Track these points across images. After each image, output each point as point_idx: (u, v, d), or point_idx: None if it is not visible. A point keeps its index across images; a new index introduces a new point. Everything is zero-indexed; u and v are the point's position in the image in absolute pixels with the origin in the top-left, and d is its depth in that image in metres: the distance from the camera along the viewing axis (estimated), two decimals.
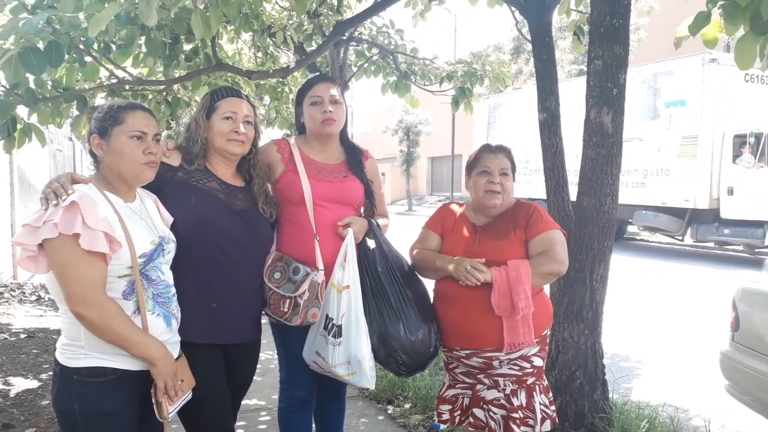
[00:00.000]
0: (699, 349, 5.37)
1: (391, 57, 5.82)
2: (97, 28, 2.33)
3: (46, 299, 7.10)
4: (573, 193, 3.26)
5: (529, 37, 3.63)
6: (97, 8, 3.00)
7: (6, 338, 5.25)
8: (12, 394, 3.93)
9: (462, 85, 5.93)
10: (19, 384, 4.11)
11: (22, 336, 5.37)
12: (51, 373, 4.23)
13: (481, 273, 2.20)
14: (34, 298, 7.08)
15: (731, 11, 2.52)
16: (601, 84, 3.02)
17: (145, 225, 1.85)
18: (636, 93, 11.77)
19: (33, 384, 4.13)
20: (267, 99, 7.75)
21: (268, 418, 3.57)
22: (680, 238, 12.94)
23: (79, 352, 1.72)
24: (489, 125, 17.44)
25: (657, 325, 6.44)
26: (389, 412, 3.69)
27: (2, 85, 3.22)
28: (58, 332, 5.47)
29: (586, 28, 4.36)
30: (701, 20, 2.58)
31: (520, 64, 23.96)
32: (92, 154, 1.88)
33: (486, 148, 2.46)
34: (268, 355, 4.38)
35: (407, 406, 3.72)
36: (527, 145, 13.70)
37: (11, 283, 7.53)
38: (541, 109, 3.30)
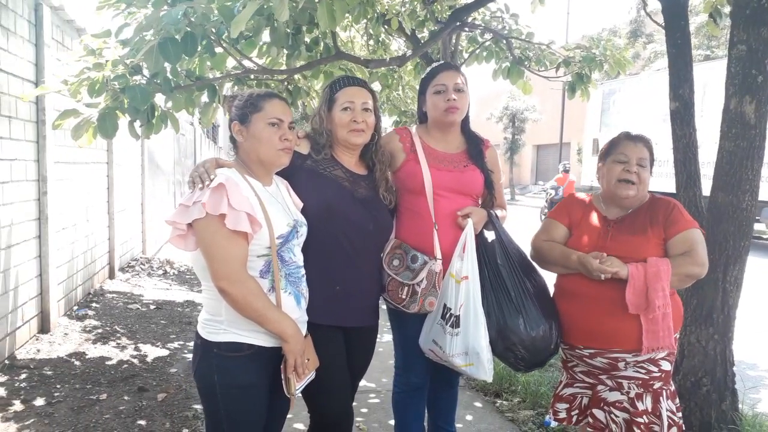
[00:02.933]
0: None
1: (505, 42, 5.69)
2: (238, 29, 2.46)
3: (171, 274, 7.65)
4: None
5: (657, 21, 3.42)
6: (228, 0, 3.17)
7: (138, 308, 5.72)
8: (146, 360, 4.28)
9: (580, 70, 5.68)
10: (151, 352, 4.47)
11: (152, 307, 5.82)
12: (178, 343, 4.59)
13: (613, 267, 2.11)
14: (161, 272, 7.66)
15: None
16: (744, 71, 2.78)
17: (282, 208, 1.94)
18: None
19: (163, 352, 4.47)
20: (377, 86, 7.85)
21: (377, 400, 3.66)
22: None
23: (219, 327, 1.84)
24: (603, 112, 16.64)
25: None
26: (497, 405, 3.65)
27: (144, 75, 3.48)
28: (182, 305, 5.93)
29: (724, 9, 4.05)
30: None
31: (637, 48, 22.67)
32: (232, 139, 1.99)
33: (625, 136, 2.34)
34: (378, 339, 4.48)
35: (516, 400, 3.66)
36: (644, 134, 12.95)
37: (141, 257, 8.18)
38: (674, 97, 3.10)
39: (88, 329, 4.90)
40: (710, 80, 10.43)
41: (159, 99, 3.84)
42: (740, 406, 3.08)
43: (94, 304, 5.66)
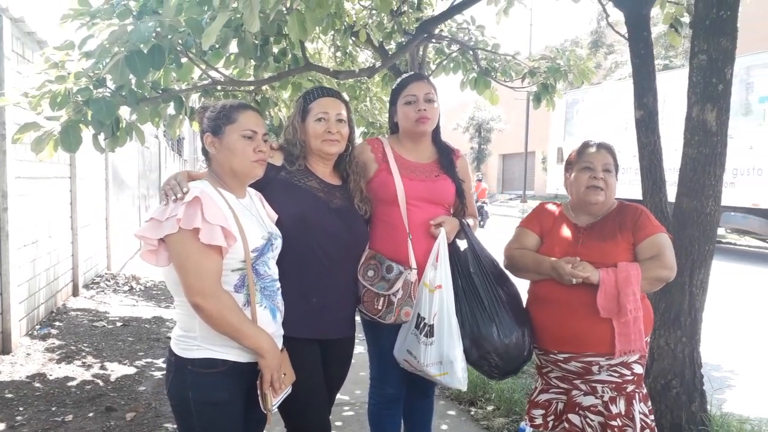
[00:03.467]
0: None
1: (471, 53, 5.76)
2: (209, 41, 2.43)
3: (138, 290, 7.49)
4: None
5: (620, 31, 3.50)
6: (195, 11, 3.14)
7: (104, 325, 5.57)
8: (112, 379, 4.16)
9: (545, 81, 5.79)
10: (118, 370, 4.36)
11: (119, 324, 5.68)
12: (146, 360, 4.48)
13: (585, 272, 2.14)
14: (126, 288, 7.48)
15: None
16: (705, 80, 2.87)
17: (256, 221, 1.91)
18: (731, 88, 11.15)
19: (130, 370, 4.36)
20: (345, 97, 7.86)
21: (351, 413, 3.63)
22: None
23: (193, 343, 1.80)
24: (567, 122, 16.96)
25: (749, 333, 6.08)
26: (472, 413, 3.66)
27: (108, 88, 3.41)
28: (150, 321, 5.80)
29: (684, 20, 4.18)
30: None
31: (598, 58, 23.23)
32: (204, 151, 1.96)
33: (588, 144, 2.40)
34: None
35: (490, 408, 3.68)
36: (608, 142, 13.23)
37: (106, 274, 7.98)
38: (638, 106, 3.18)
39: (51, 349, 4.75)
40: (670, 89, 10.72)
41: (123, 111, 3.77)
42: (708, 407, 3.14)
43: (57, 323, 5.49)
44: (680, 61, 20.46)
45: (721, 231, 14.37)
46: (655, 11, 4.26)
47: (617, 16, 3.52)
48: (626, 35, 3.32)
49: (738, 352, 5.39)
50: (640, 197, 3.22)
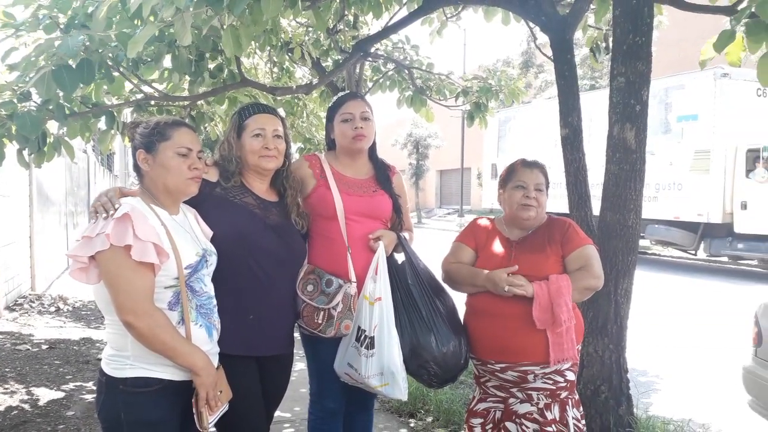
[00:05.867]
0: (716, 364, 5.35)
1: (407, 72, 5.88)
2: (135, 49, 2.39)
3: (65, 311, 7.16)
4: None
5: (547, 53, 3.68)
6: (126, 25, 3.07)
7: (28, 349, 5.30)
8: (38, 404, 3.97)
9: (477, 100, 5.98)
10: (44, 395, 4.15)
11: (44, 347, 5.42)
12: (74, 384, 4.29)
13: (520, 287, 2.23)
14: (53, 309, 7.14)
15: (755, 29, 2.56)
16: (624, 101, 3.05)
17: (190, 237, 1.90)
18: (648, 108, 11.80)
19: (58, 395, 4.16)
20: (282, 113, 7.84)
21: (291, 430, 3.60)
22: (693, 252, 12.89)
23: (125, 362, 1.76)
24: (499, 138, 17.50)
25: (672, 339, 6.42)
26: (411, 425, 3.70)
27: (34, 101, 3.29)
28: (78, 343, 5.56)
29: (602, 45, 4.43)
30: (725, 38, 2.62)
31: (529, 78, 24.09)
32: (136, 168, 1.93)
33: (523, 163, 2.50)
34: None
35: (429, 419, 3.72)
36: (537, 158, 13.69)
37: (30, 294, 7.60)
38: (564, 125, 3.34)
39: None
40: (596, 108, 11.24)
41: (51, 125, 3.64)
42: (635, 410, 3.30)
43: None
44: (605, 82, 21.47)
45: (645, 243, 15.11)
46: (581, 35, 4.51)
47: (544, 38, 3.70)
48: (552, 57, 3.49)
49: (663, 357, 5.68)
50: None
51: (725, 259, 12.81)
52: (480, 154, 21.24)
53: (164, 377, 1.77)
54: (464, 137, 28.22)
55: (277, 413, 3.68)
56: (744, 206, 11.20)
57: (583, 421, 2.43)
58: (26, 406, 3.92)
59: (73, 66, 2.86)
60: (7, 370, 4.65)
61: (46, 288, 8.42)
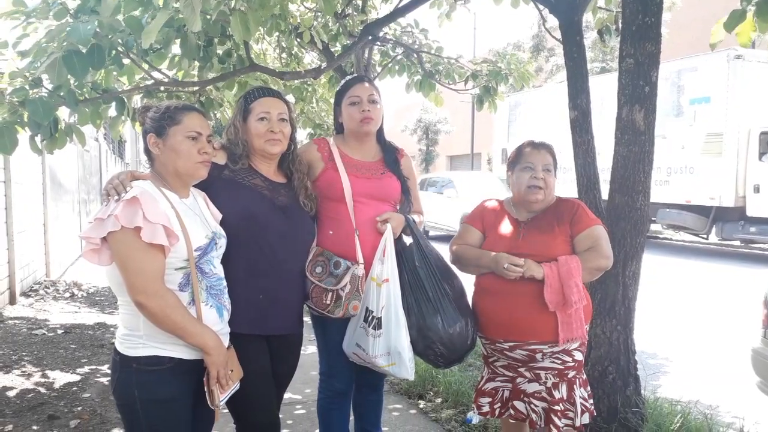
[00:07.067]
0: (726, 347, 5.34)
1: (416, 56, 5.86)
2: (149, 39, 2.42)
3: (80, 296, 7.27)
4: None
5: (557, 36, 3.66)
6: (133, 7, 3.09)
7: (44, 333, 5.40)
8: (55, 386, 4.05)
9: (487, 83, 5.95)
10: (60, 378, 4.24)
11: (60, 332, 5.51)
12: (90, 367, 4.37)
13: (530, 270, 2.25)
14: (68, 295, 7.25)
15: (765, 8, 2.54)
16: (633, 82, 3.03)
17: (200, 220, 1.93)
18: (659, 90, 11.63)
19: (74, 378, 4.25)
20: (291, 98, 7.84)
21: (302, 411, 3.65)
22: (705, 236, 12.79)
23: (137, 341, 1.80)
24: (510, 123, 17.38)
25: (683, 322, 6.42)
26: (421, 406, 3.74)
27: (45, 87, 3.32)
28: (93, 328, 5.65)
29: (612, 26, 4.39)
30: (736, 18, 2.60)
31: (540, 61, 23.88)
32: (147, 152, 1.96)
33: (529, 144, 2.50)
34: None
35: (438, 400, 3.76)
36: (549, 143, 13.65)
37: (45, 281, 7.72)
38: (573, 107, 3.33)
39: None
40: (607, 91, 11.15)
41: (62, 111, 3.68)
42: (643, 391, 3.32)
43: None
44: (617, 65, 21.25)
45: (657, 227, 15.04)
46: (591, 17, 4.47)
47: (554, 21, 3.67)
48: (561, 40, 3.47)
49: (674, 340, 5.68)
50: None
51: (737, 243, 12.71)
52: (490, 139, 21.14)
53: (176, 356, 1.81)
54: (474, 122, 28.11)
55: (287, 395, 3.74)
56: (757, 189, 11.09)
57: (591, 401, 2.45)
58: (42, 389, 4.00)
59: (84, 51, 2.89)
60: (24, 354, 4.74)
61: (60, 274, 8.54)
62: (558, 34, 3.56)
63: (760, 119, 11.06)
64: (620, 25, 3.22)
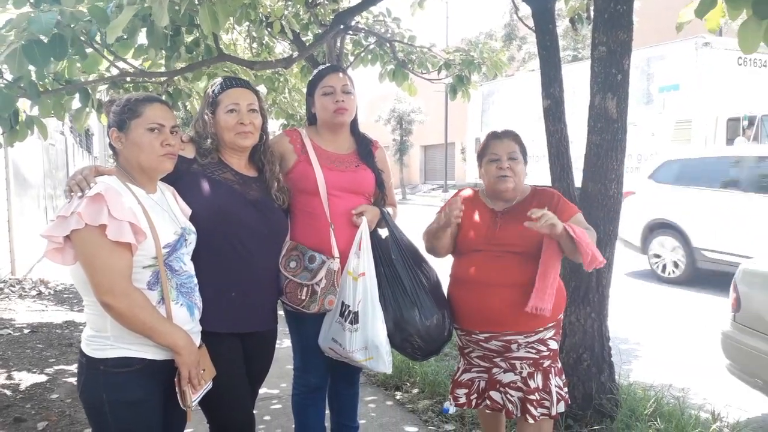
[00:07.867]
0: (694, 331, 5.44)
1: (389, 45, 5.81)
2: (115, 34, 2.34)
3: (47, 294, 7.09)
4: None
5: (529, 24, 3.65)
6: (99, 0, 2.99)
7: (10, 333, 5.25)
8: (21, 388, 3.94)
9: (460, 73, 5.93)
10: (27, 379, 4.12)
11: (26, 331, 5.36)
12: (58, 367, 4.26)
13: (550, 220, 2.15)
14: (34, 293, 7.07)
15: None
16: (605, 70, 3.04)
17: (168, 216, 1.86)
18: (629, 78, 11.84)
19: (41, 378, 4.14)
20: (263, 89, 7.73)
21: (279, 406, 3.61)
22: None
23: (105, 343, 1.74)
24: (483, 112, 17.46)
25: (652, 307, 6.52)
26: (397, 397, 3.73)
27: (4, 78, 3.20)
28: (61, 326, 5.51)
29: (584, 15, 4.40)
30: (707, 4, 2.60)
31: (512, 50, 23.96)
32: (111, 147, 1.89)
33: (492, 135, 2.49)
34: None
35: (415, 391, 3.76)
36: (521, 131, 13.72)
37: (10, 279, 7.51)
38: (546, 96, 3.32)
39: None
40: (578, 80, 11.25)
41: (24, 103, 3.56)
42: (617, 377, 3.35)
43: None
44: (588, 53, 21.46)
45: None
46: (563, 5, 4.47)
47: (526, 10, 3.66)
48: (534, 28, 3.45)
49: (643, 324, 5.76)
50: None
51: None
52: (464, 128, 21.20)
53: (145, 356, 1.76)
54: (448, 112, 28.14)
55: (263, 390, 3.69)
56: None
57: (566, 389, 2.46)
58: (8, 391, 3.88)
59: (45, 41, 2.79)
60: None
61: (26, 272, 8.32)
62: (530, 23, 3.55)
63: (727, 106, 11.27)
64: (592, 13, 3.22)
